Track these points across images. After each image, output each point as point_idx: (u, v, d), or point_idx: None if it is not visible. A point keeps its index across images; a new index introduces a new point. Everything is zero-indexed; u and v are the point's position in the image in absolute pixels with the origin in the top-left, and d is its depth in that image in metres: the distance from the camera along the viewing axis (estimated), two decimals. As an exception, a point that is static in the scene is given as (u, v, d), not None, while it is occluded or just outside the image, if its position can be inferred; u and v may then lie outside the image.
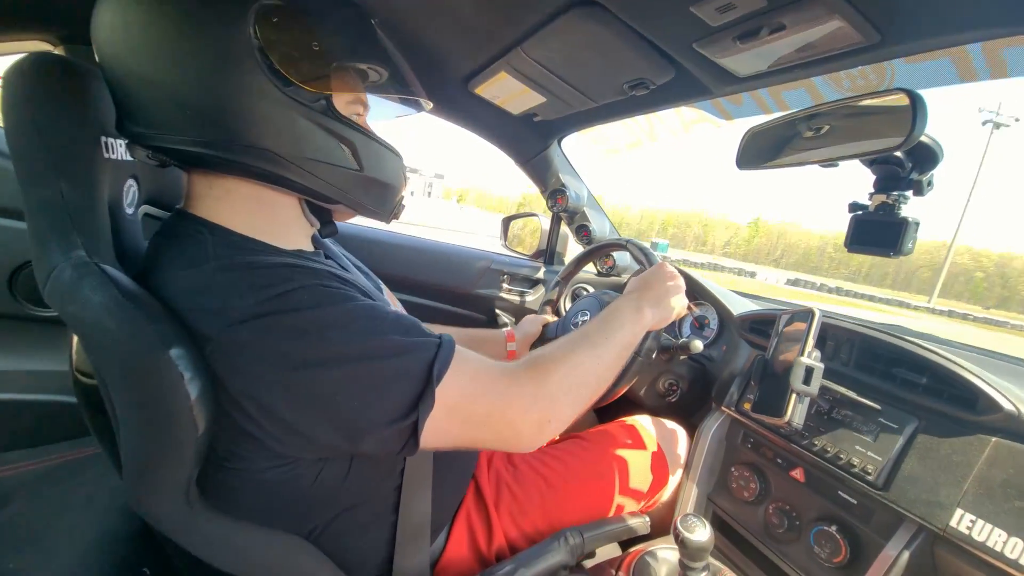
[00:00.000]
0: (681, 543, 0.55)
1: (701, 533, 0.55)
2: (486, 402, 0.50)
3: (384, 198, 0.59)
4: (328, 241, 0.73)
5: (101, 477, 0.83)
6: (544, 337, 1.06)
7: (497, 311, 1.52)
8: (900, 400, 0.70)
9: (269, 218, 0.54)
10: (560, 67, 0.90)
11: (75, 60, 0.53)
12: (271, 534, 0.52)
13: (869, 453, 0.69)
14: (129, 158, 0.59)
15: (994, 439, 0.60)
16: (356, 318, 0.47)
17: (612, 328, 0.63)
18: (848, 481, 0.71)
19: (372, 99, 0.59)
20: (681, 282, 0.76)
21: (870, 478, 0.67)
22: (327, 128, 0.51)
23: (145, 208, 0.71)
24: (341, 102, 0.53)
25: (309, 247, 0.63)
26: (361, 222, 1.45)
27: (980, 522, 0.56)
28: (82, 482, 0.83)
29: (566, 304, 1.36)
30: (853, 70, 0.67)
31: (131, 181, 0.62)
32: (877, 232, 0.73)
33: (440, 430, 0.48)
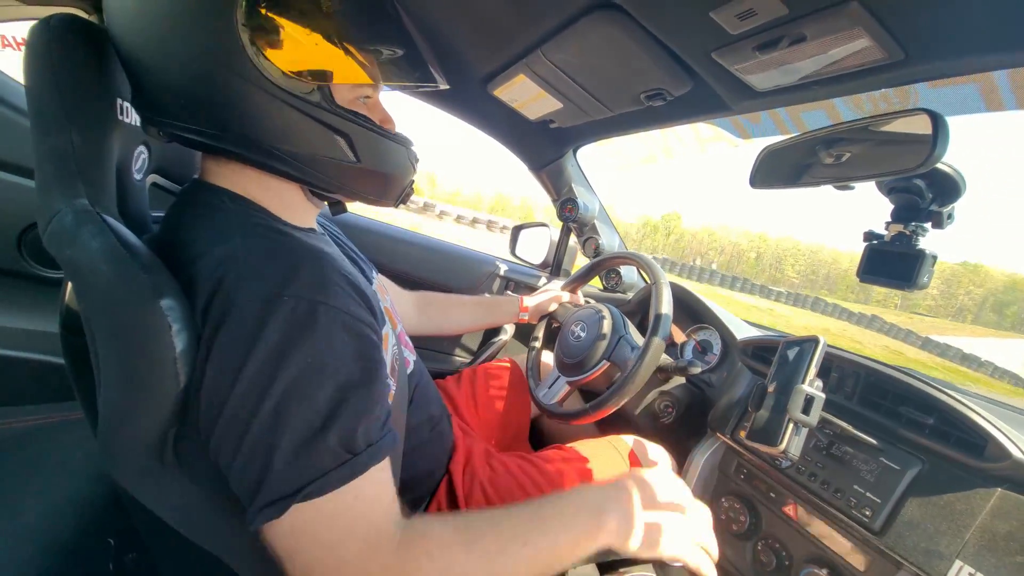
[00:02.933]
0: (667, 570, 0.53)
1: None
2: (319, 555, 0.40)
3: (386, 187, 0.58)
4: (323, 221, 0.73)
5: (77, 443, 0.82)
6: (551, 325, 1.10)
7: None
8: (904, 440, 0.67)
9: (274, 196, 0.54)
10: (578, 72, 0.89)
11: (98, 24, 0.54)
12: (239, 507, 0.50)
13: (868, 494, 0.65)
14: None
15: (1000, 489, 0.56)
16: (314, 376, 0.41)
17: (545, 533, 0.47)
18: (843, 522, 0.67)
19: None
20: (694, 518, 0.55)
21: (867, 520, 0.63)
22: (321, 121, 0.49)
23: (153, 177, 0.72)
24: (343, 87, 0.51)
25: (315, 226, 0.63)
26: (367, 212, 1.46)
27: None
28: (58, 446, 0.82)
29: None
30: (876, 92, 0.65)
31: (142, 148, 0.62)
32: (892, 263, 0.71)
33: (269, 536, 0.41)
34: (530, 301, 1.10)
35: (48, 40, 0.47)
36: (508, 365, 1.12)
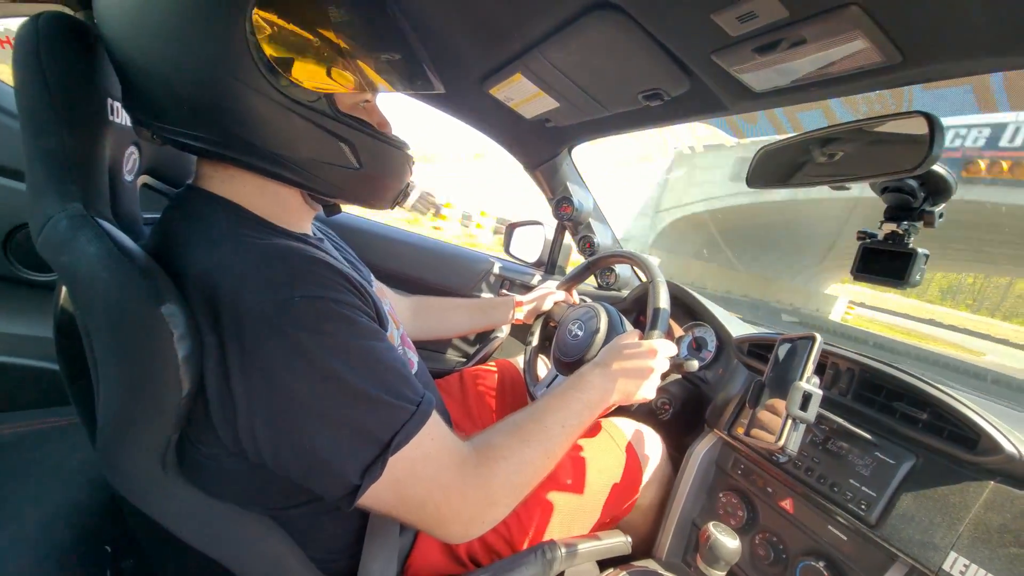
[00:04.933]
0: (709, 547, 0.56)
1: (731, 540, 0.56)
2: (425, 488, 0.47)
3: (385, 191, 0.59)
4: (322, 227, 0.73)
5: (72, 448, 0.81)
6: (547, 324, 1.10)
7: None
8: (898, 435, 0.68)
9: (272, 201, 0.54)
10: (576, 72, 0.90)
11: (87, 22, 0.53)
12: (241, 512, 0.51)
13: (863, 488, 0.67)
14: None
15: (992, 482, 0.58)
16: (353, 354, 0.45)
17: (571, 414, 0.61)
18: (839, 515, 0.68)
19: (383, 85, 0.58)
20: (662, 362, 0.74)
21: (863, 514, 0.65)
22: (326, 128, 0.50)
23: (144, 178, 0.71)
24: (345, 94, 0.52)
25: (310, 231, 0.63)
26: (361, 213, 1.45)
27: (974, 567, 0.53)
28: (53, 451, 0.81)
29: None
30: (871, 94, 0.66)
31: (133, 148, 0.61)
32: (885, 262, 0.72)
33: (376, 497, 0.46)
34: (525, 302, 1.10)
35: (36, 39, 0.46)
36: (495, 369, 1.14)
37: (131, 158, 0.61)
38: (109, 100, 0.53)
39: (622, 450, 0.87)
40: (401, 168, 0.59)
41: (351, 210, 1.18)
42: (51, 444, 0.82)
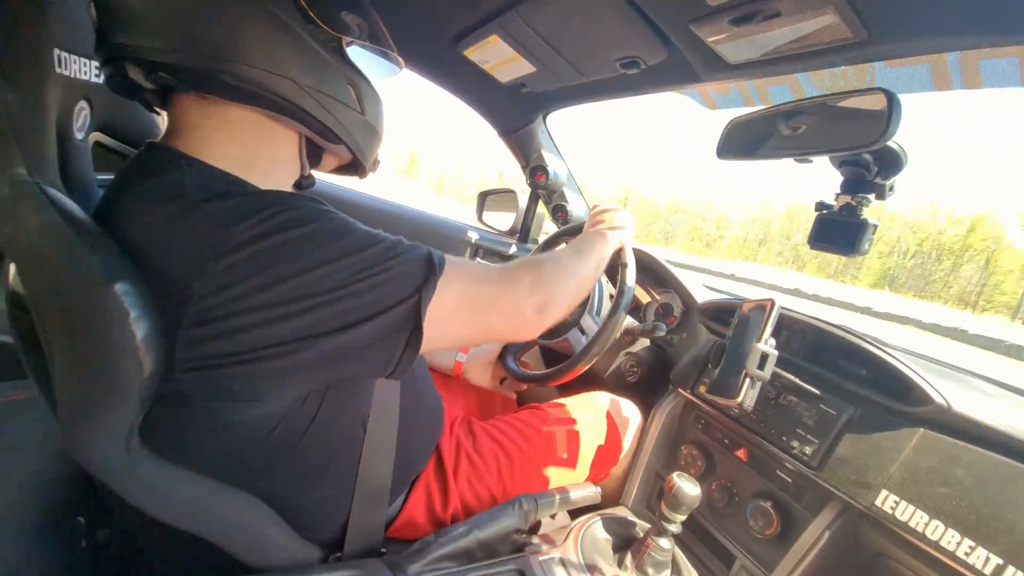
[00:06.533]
0: (673, 494, 0.60)
1: (692, 488, 0.61)
2: (490, 287, 0.53)
3: (373, 147, 0.60)
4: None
5: (35, 421, 0.77)
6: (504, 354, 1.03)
7: None
8: (841, 389, 0.75)
9: (263, 152, 0.52)
10: (554, 36, 0.88)
11: None
12: (219, 487, 0.49)
13: (808, 436, 0.74)
14: (83, 76, 0.53)
15: (922, 429, 0.65)
16: (352, 225, 0.47)
17: (587, 246, 0.73)
18: (786, 461, 0.76)
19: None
20: (620, 216, 0.86)
21: (806, 459, 0.72)
22: (339, 68, 0.52)
23: (96, 135, 0.66)
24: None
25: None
26: (336, 182, 1.40)
27: (903, 504, 0.60)
28: (15, 426, 0.77)
29: None
30: (836, 70, 0.69)
31: (83, 103, 0.56)
32: (838, 232, 0.77)
33: (448, 318, 0.49)
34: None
35: None
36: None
37: (81, 114, 0.56)
38: (55, 51, 0.48)
39: (604, 420, 0.92)
40: (383, 126, 0.61)
41: (326, 179, 1.14)
42: (13, 419, 0.78)
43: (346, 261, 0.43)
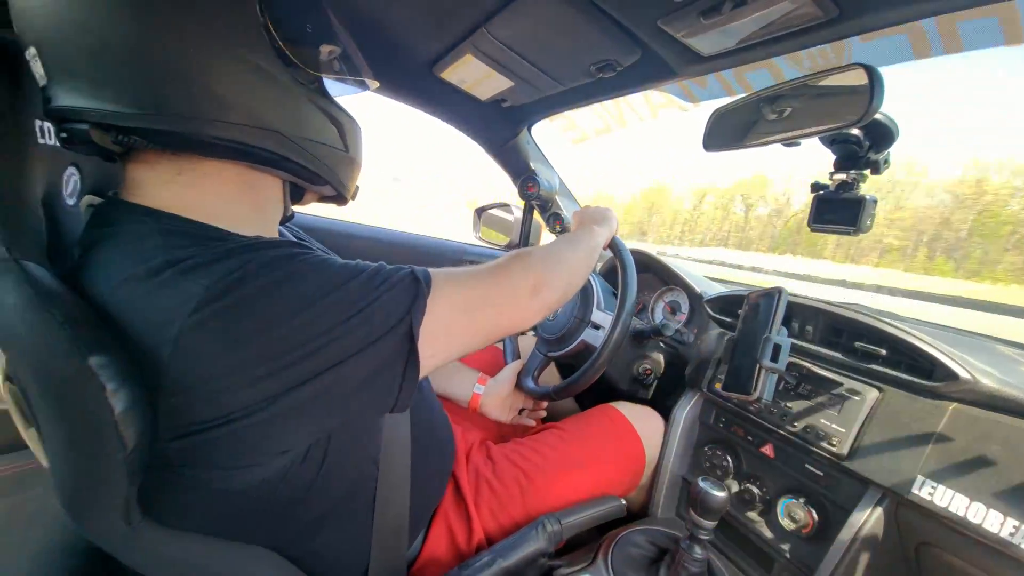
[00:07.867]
0: (700, 500, 0.58)
1: (719, 492, 0.59)
2: (480, 284, 0.51)
3: (355, 178, 0.59)
4: (291, 229, 0.71)
5: (48, 490, 0.77)
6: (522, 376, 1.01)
7: None
8: (862, 372, 0.73)
9: (245, 200, 0.49)
10: (526, 48, 0.88)
11: (5, 37, 0.48)
12: (230, 546, 0.48)
13: (834, 425, 0.71)
14: None
15: (953, 405, 0.62)
16: (328, 261, 0.44)
17: (574, 237, 0.72)
18: (815, 453, 0.73)
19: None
20: (604, 212, 0.86)
21: (835, 449, 0.69)
22: (323, 109, 0.51)
23: (89, 199, 0.66)
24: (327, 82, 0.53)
25: (274, 234, 0.59)
26: (322, 212, 1.41)
27: (941, 488, 0.57)
28: (28, 497, 0.77)
29: None
30: (813, 49, 0.68)
31: (72, 169, 0.56)
32: (838, 211, 0.75)
33: (444, 329, 0.47)
34: (490, 380, 1.00)
35: None
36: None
37: (71, 180, 0.56)
38: (37, 122, 0.48)
39: (625, 431, 0.89)
40: (362, 158, 0.60)
41: (305, 210, 1.14)
42: (26, 490, 0.78)
43: (326, 302, 0.41)
